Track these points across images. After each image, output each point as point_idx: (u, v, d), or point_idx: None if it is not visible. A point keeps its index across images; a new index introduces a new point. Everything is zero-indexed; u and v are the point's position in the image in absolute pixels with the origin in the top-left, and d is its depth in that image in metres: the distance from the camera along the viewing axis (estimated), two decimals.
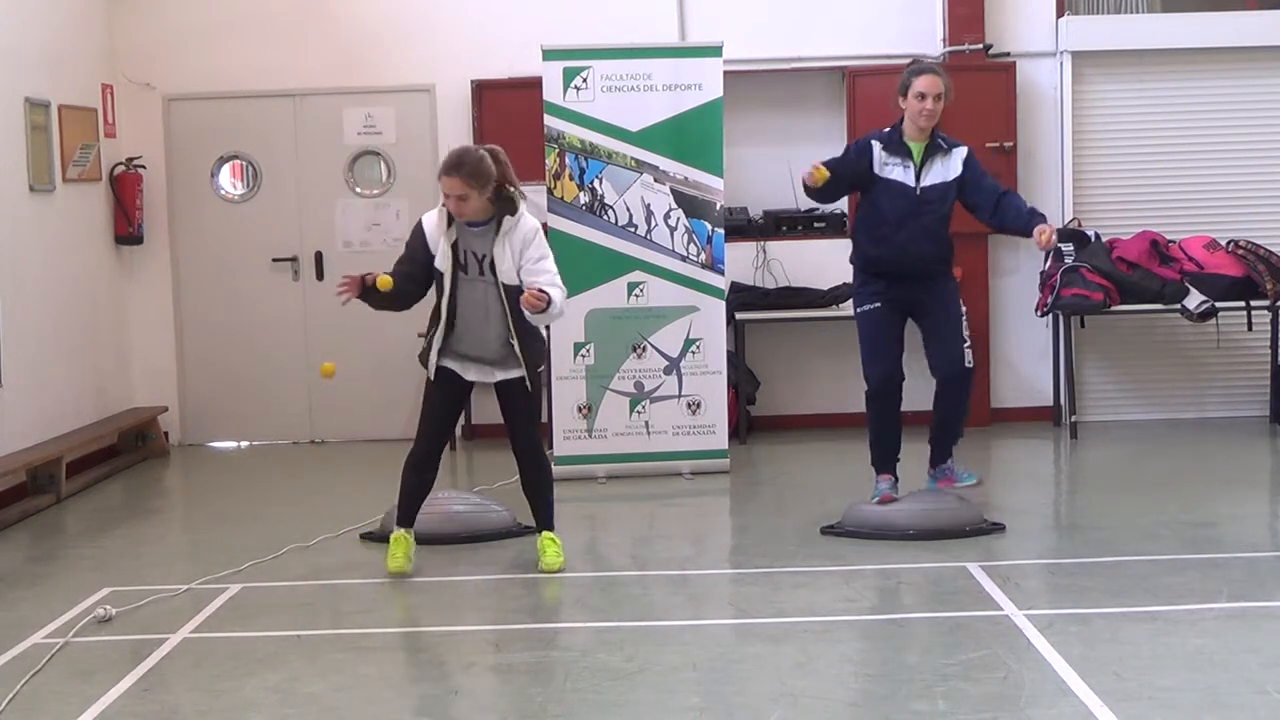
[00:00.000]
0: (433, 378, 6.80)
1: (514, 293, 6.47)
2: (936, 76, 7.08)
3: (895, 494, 7.30)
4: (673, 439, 8.94)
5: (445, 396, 6.84)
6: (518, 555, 7.18)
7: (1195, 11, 10.67)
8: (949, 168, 7.17)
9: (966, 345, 7.21)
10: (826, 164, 7.08)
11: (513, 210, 6.53)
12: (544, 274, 6.52)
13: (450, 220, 6.56)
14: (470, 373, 6.76)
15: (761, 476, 9.02)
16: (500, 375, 6.74)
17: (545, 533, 6.83)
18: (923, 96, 7.03)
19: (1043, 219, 7.06)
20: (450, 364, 6.76)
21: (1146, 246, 9.96)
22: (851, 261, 7.40)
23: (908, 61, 10.20)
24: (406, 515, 6.87)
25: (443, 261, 6.58)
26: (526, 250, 6.52)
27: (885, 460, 7.41)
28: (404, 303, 6.79)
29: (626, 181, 8.81)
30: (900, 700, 4.97)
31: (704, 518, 8.14)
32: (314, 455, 10.33)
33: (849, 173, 7.18)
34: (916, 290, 7.21)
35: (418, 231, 6.68)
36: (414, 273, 6.69)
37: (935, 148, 7.16)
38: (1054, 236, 6.95)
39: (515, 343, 6.60)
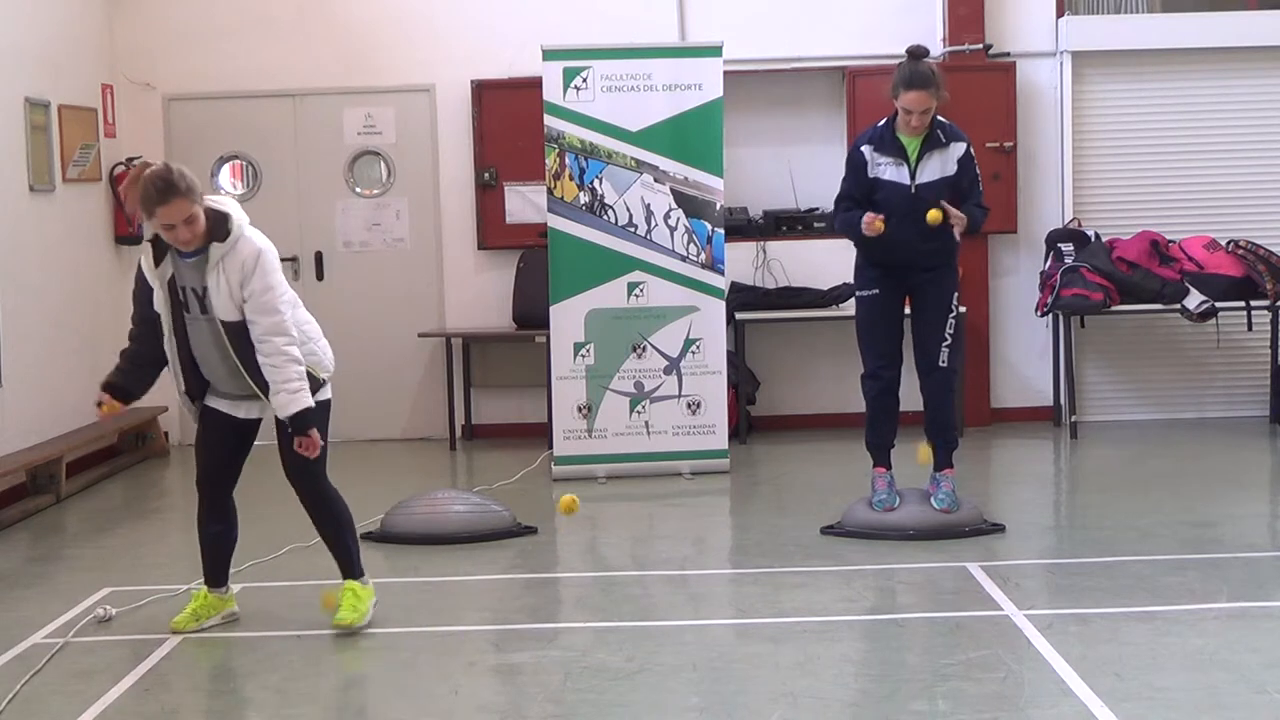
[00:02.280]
0: (196, 422, 6.04)
1: (236, 329, 5.60)
2: (924, 92, 6.89)
3: (894, 504, 7.27)
4: (673, 439, 8.93)
5: (217, 437, 5.95)
6: (518, 555, 7.18)
7: (1195, 11, 10.68)
8: (946, 163, 7.04)
9: (945, 344, 7.15)
10: (844, 195, 7.12)
11: (223, 235, 5.56)
12: (264, 317, 5.55)
13: (162, 254, 5.66)
14: (241, 410, 5.89)
15: (761, 476, 9.02)
16: (257, 413, 5.92)
17: (347, 581, 6.01)
18: (908, 112, 6.93)
19: (972, 228, 7.08)
20: (218, 404, 5.92)
21: (1146, 246, 9.96)
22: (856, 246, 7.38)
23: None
24: (209, 574, 6.06)
25: (160, 303, 5.71)
26: (247, 283, 5.55)
27: (880, 450, 7.38)
28: (160, 362, 5.97)
29: (626, 181, 8.81)
30: (900, 700, 4.97)
31: (704, 518, 8.14)
32: None
33: (865, 188, 7.10)
34: (916, 277, 7.18)
35: (138, 277, 5.77)
36: (153, 322, 5.82)
37: (933, 141, 7.02)
38: (951, 222, 6.90)
39: (251, 383, 5.70)
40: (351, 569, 6.04)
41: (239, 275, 5.53)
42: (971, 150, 7.16)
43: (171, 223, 5.45)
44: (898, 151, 7.03)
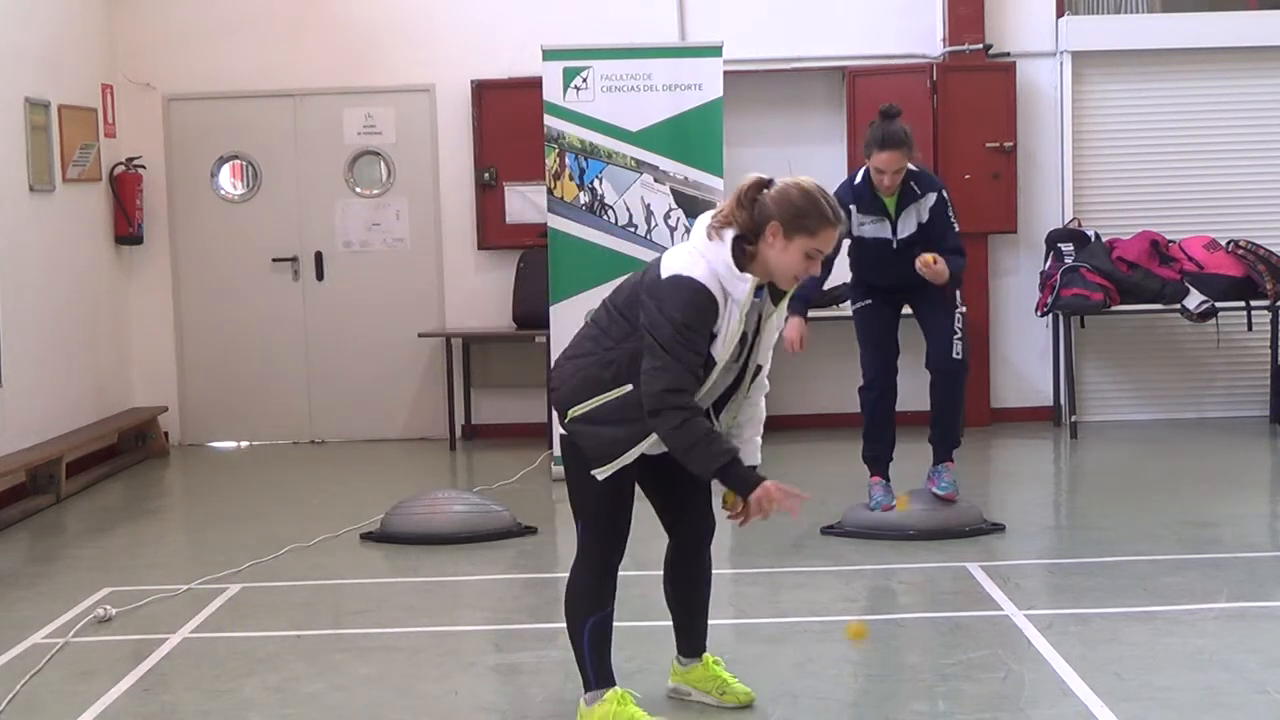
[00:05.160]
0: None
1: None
2: (896, 152, 6.86)
3: (892, 502, 7.27)
4: None
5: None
6: (518, 555, 7.18)
7: (1195, 11, 10.68)
8: (922, 213, 7.04)
9: (958, 337, 7.14)
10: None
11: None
12: None
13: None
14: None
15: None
16: None
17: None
18: (880, 172, 6.94)
19: (953, 281, 7.02)
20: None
21: (1146, 246, 9.96)
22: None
23: (907, 63, 10.33)
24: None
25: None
26: None
27: (877, 460, 7.39)
28: None
29: (626, 181, 8.80)
30: (900, 700, 4.97)
31: None
32: (314, 455, 10.33)
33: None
34: (911, 294, 7.24)
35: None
36: None
37: (909, 195, 7.02)
38: (938, 267, 6.86)
39: None
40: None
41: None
42: (945, 196, 7.09)
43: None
44: (879, 210, 7.06)
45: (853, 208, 7.02)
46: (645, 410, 4.38)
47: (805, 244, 4.39)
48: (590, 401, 4.51)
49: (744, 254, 4.40)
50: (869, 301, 7.27)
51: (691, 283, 4.35)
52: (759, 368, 4.63)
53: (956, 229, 7.13)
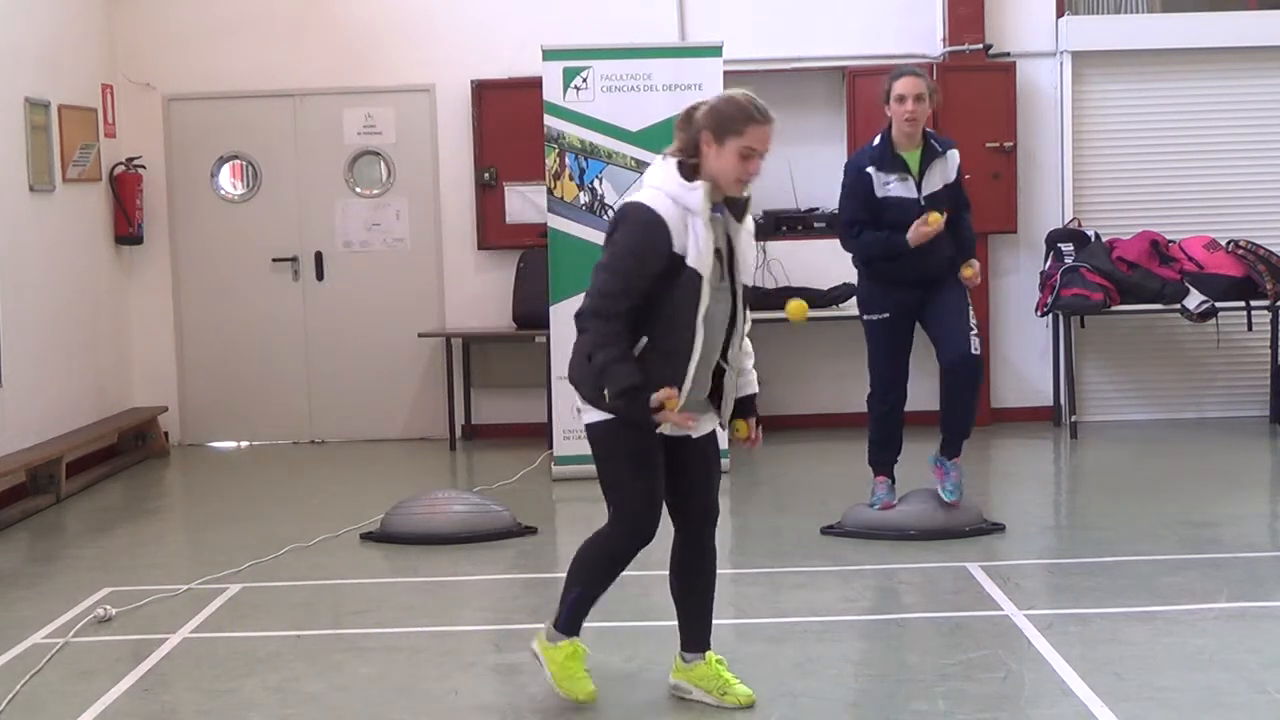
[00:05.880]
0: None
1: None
2: (916, 78, 6.94)
3: (893, 500, 7.28)
4: None
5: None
6: (518, 555, 7.18)
7: (1195, 11, 10.69)
8: (947, 171, 7.03)
9: (974, 333, 7.03)
10: (854, 219, 7.04)
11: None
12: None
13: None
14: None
15: (761, 476, 9.02)
16: None
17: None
18: (902, 99, 6.89)
19: (972, 255, 7.10)
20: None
21: (1146, 246, 9.97)
22: (856, 266, 7.30)
23: (915, 63, 10.31)
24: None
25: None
26: None
27: (883, 464, 7.39)
28: None
29: (626, 181, 8.79)
30: (900, 700, 4.97)
31: None
32: (314, 455, 10.33)
33: (873, 209, 7.01)
34: (925, 293, 7.09)
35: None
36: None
37: (930, 152, 7.00)
38: (976, 276, 7.06)
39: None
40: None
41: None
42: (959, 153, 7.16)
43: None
44: (901, 167, 6.97)
45: (873, 170, 6.95)
46: (577, 326, 4.70)
47: (737, 144, 4.62)
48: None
49: (691, 171, 4.66)
50: (887, 315, 7.13)
51: (638, 206, 4.65)
52: (744, 287, 4.82)
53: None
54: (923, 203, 6.94)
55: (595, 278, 4.66)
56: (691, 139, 4.67)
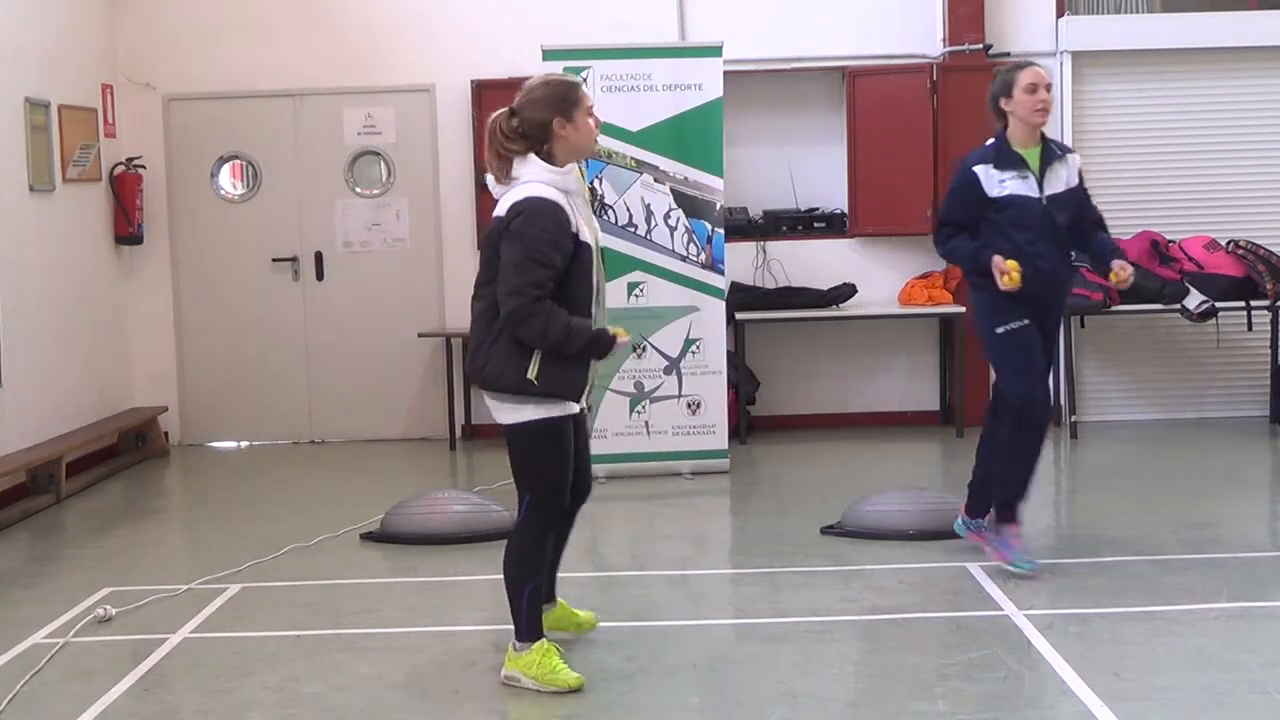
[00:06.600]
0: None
1: None
2: (1040, 68, 6.61)
3: (1039, 567, 6.53)
4: (673, 439, 8.93)
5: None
6: None
7: (1195, 11, 10.68)
8: (1070, 174, 6.56)
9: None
10: (947, 219, 6.54)
11: None
12: None
13: None
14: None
15: (761, 476, 9.02)
16: None
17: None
18: (1034, 88, 6.50)
19: (1123, 255, 6.57)
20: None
21: (1146, 246, 9.97)
22: (970, 279, 6.76)
23: (908, 63, 10.33)
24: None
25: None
26: None
27: (1016, 502, 6.64)
28: None
29: (626, 181, 8.81)
30: (900, 700, 4.97)
31: (704, 518, 8.14)
32: (314, 455, 10.33)
33: (974, 213, 6.49)
34: (1046, 313, 6.57)
35: None
36: None
37: (1050, 153, 6.55)
38: (1131, 277, 6.46)
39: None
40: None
41: None
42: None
43: None
44: (1020, 164, 6.43)
45: (984, 166, 6.44)
46: (509, 322, 5.01)
47: (584, 110, 5.09)
48: (534, 362, 5.11)
49: (550, 159, 5.05)
50: (1025, 321, 6.44)
51: (537, 200, 4.96)
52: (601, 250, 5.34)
53: None
54: (1045, 202, 6.44)
55: (516, 275, 4.93)
56: (535, 136, 5.03)
